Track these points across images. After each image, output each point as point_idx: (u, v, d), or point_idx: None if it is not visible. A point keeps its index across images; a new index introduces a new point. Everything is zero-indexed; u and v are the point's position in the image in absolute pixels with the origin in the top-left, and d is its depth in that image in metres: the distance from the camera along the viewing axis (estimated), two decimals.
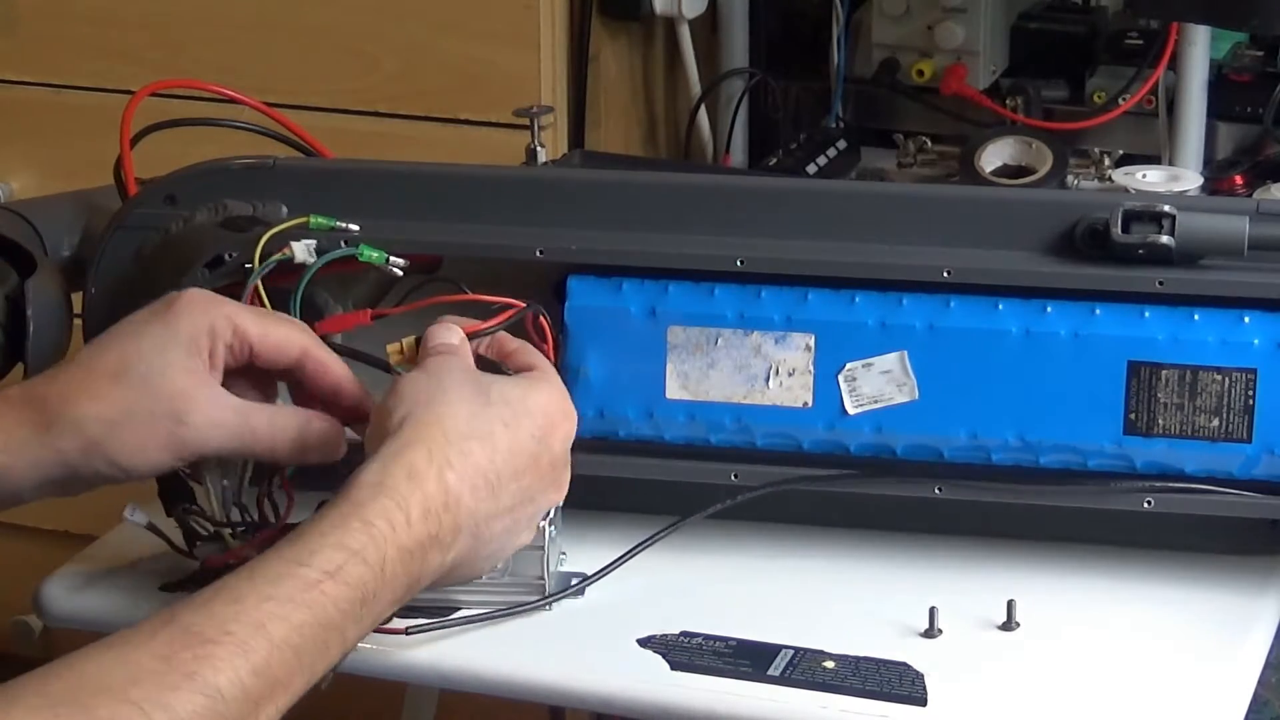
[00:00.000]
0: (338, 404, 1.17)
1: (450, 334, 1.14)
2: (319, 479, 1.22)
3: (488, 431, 1.07)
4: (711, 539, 1.25)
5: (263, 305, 1.21)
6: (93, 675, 0.90)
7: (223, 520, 1.17)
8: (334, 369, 1.17)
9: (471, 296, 1.23)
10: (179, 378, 1.12)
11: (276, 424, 1.14)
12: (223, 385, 1.14)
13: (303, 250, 1.21)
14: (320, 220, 1.23)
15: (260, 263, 1.21)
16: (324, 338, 1.23)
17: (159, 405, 1.11)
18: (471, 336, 1.16)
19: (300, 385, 1.18)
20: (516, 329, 1.21)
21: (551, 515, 1.20)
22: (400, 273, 1.23)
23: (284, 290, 1.23)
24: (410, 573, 1.02)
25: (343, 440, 1.16)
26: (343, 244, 1.22)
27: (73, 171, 1.52)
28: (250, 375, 1.17)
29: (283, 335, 1.16)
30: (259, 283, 1.21)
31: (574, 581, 1.22)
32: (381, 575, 0.99)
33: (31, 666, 0.92)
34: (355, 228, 1.23)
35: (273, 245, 1.22)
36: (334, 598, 0.97)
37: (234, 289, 1.25)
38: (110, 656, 0.91)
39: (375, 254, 1.21)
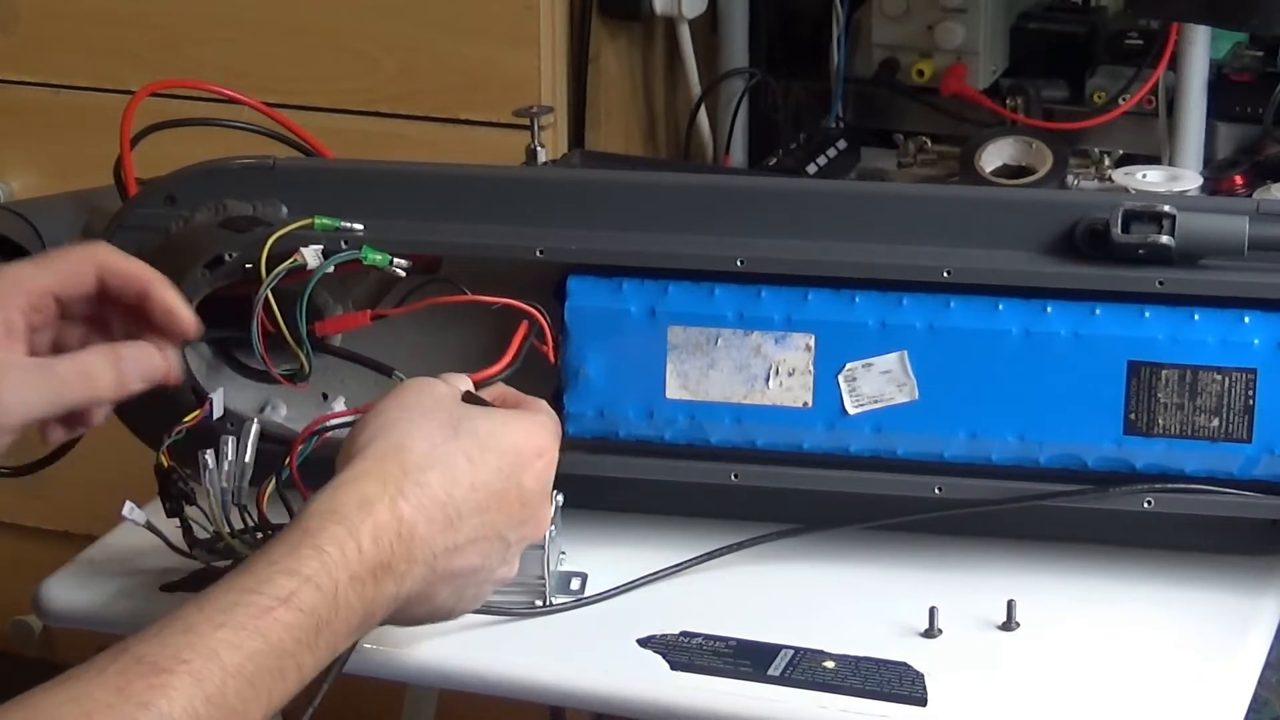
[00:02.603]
0: (153, 310, 1.16)
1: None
2: (320, 480, 1.22)
3: (450, 464, 1.05)
4: (711, 539, 1.25)
5: (272, 312, 1.21)
6: (46, 711, 0.88)
7: (221, 521, 1.17)
8: (134, 271, 1.16)
9: (471, 297, 1.23)
10: None
11: (84, 364, 1.13)
12: (69, 340, 1.15)
13: (313, 255, 1.21)
14: (325, 221, 1.23)
15: (266, 264, 1.21)
16: (324, 338, 1.24)
17: None
18: (479, 385, 1.16)
19: (126, 309, 1.17)
20: (515, 329, 1.22)
21: (551, 515, 1.20)
22: (403, 274, 1.23)
23: (284, 291, 1.23)
24: (365, 600, 1.00)
25: (163, 357, 1.15)
26: (343, 244, 1.22)
27: (73, 171, 1.52)
28: (89, 323, 1.17)
29: (71, 262, 1.15)
30: (268, 290, 1.21)
31: (574, 583, 1.22)
32: (334, 602, 0.98)
33: (31, 666, 0.92)
34: (359, 228, 1.23)
35: (278, 247, 1.22)
36: (287, 624, 0.95)
37: (234, 289, 1.26)
38: (63, 693, 0.89)
39: (379, 256, 1.21)
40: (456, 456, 1.05)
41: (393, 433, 1.05)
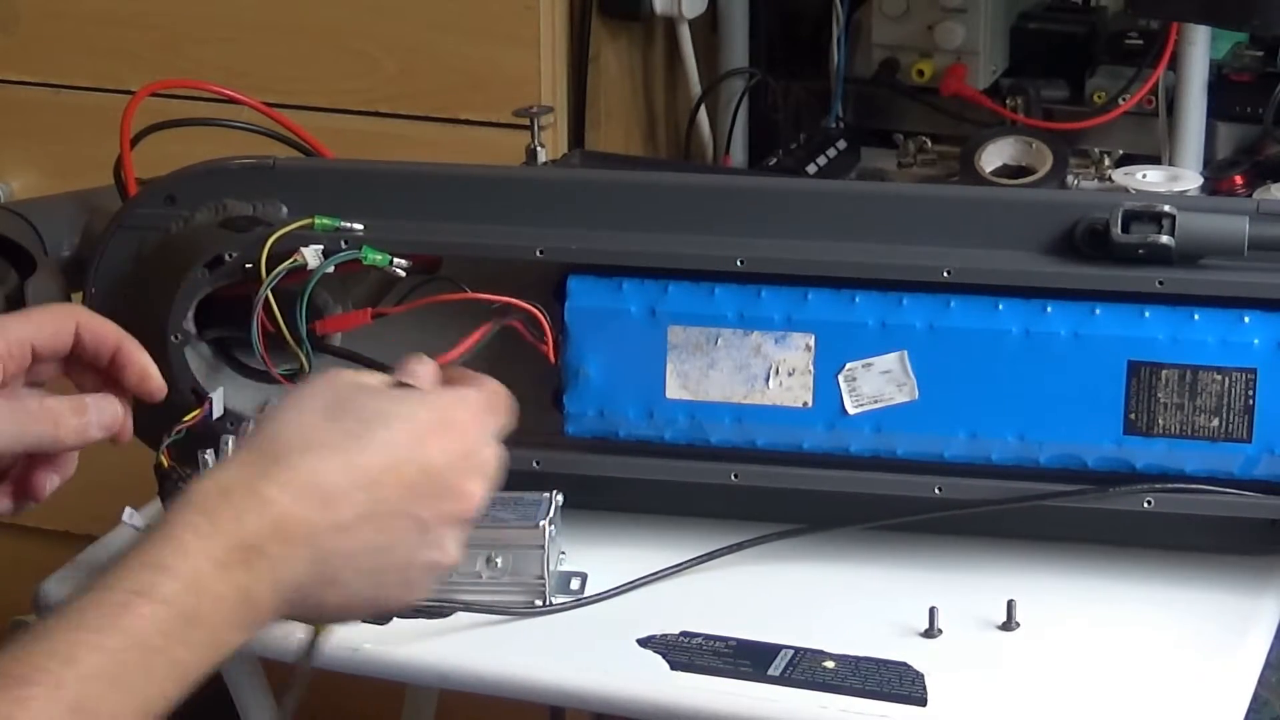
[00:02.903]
0: (126, 370, 1.15)
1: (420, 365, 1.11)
2: None
3: (324, 443, 1.00)
4: (711, 539, 1.25)
5: (272, 312, 1.21)
6: None
7: None
8: (108, 330, 1.14)
9: (471, 295, 1.23)
10: None
11: (50, 405, 1.12)
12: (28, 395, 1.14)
13: (313, 255, 1.21)
14: (325, 221, 1.23)
15: (266, 263, 1.21)
16: (324, 337, 1.24)
17: None
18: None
19: (95, 373, 1.16)
20: (511, 327, 1.22)
21: (551, 515, 1.20)
22: (403, 274, 1.23)
23: (284, 291, 1.23)
24: (238, 588, 0.95)
25: (124, 412, 1.14)
26: (343, 244, 1.22)
27: (73, 171, 1.52)
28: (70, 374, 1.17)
29: (52, 317, 1.14)
30: (268, 290, 1.21)
31: (574, 582, 1.22)
32: (198, 591, 0.94)
33: None
34: (359, 228, 1.23)
35: (278, 247, 1.22)
36: (149, 617, 0.92)
37: (234, 289, 1.26)
38: None
39: (379, 256, 1.21)
40: (333, 435, 1.00)
41: (270, 423, 1.01)
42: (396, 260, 1.22)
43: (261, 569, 0.96)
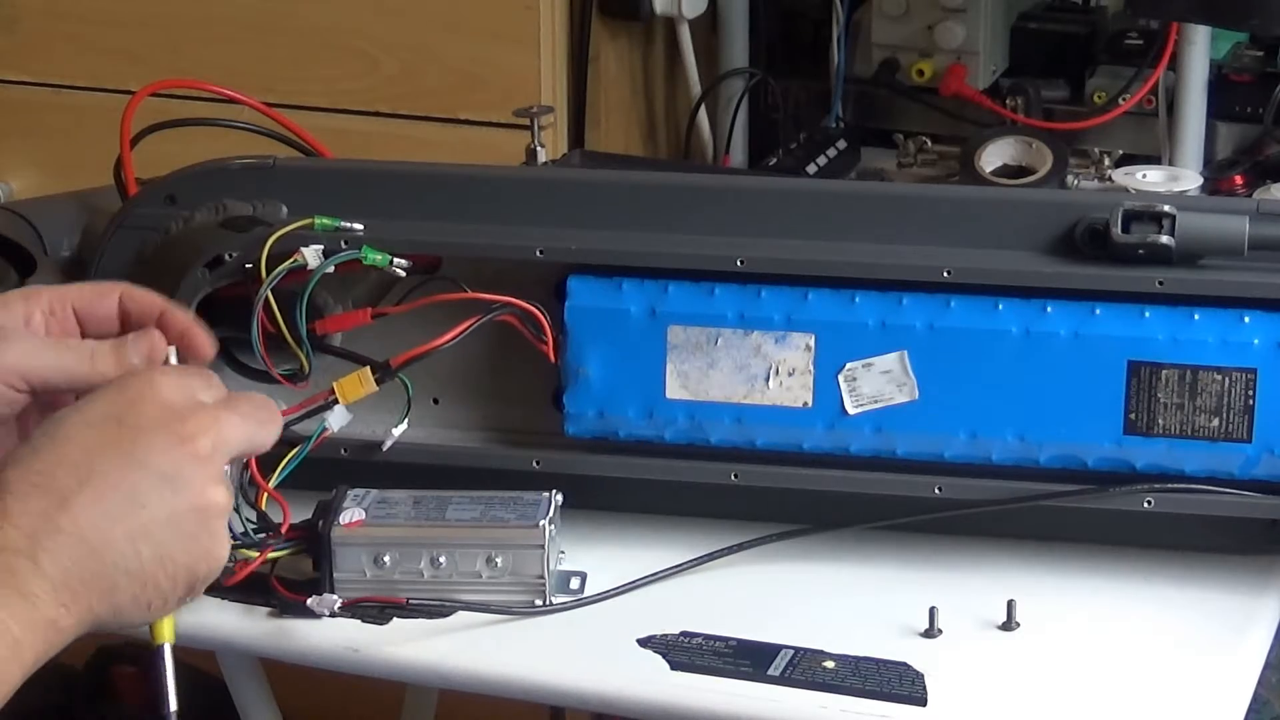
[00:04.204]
0: (170, 331, 1.15)
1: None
2: (319, 479, 1.23)
3: (25, 453, 1.01)
4: (711, 539, 1.25)
5: (272, 312, 1.21)
6: None
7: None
8: (155, 299, 1.15)
9: (472, 295, 1.23)
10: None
11: (92, 345, 1.11)
12: None
13: (313, 255, 1.21)
14: (325, 221, 1.23)
15: (266, 264, 1.21)
16: (323, 337, 1.24)
17: None
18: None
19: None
20: (510, 328, 1.22)
21: (551, 514, 1.20)
22: (403, 274, 1.23)
23: (284, 291, 1.23)
24: (5, 584, 0.96)
25: (165, 345, 1.13)
26: (343, 244, 1.22)
27: (73, 171, 1.52)
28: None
29: (93, 285, 1.16)
30: (268, 290, 1.21)
31: (574, 582, 1.22)
32: None
33: None
34: (359, 227, 1.23)
35: (278, 247, 1.22)
36: None
37: (234, 289, 1.26)
38: None
39: (379, 256, 1.21)
40: (32, 443, 1.02)
41: None
42: (396, 260, 1.22)
43: (19, 562, 0.97)
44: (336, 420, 1.21)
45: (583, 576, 1.22)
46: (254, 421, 1.06)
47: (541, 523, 1.19)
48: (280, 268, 1.21)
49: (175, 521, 1.01)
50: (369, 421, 1.28)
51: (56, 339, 1.13)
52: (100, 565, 0.99)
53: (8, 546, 0.97)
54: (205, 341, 1.14)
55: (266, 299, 1.21)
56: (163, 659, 1.05)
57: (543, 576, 1.19)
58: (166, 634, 1.04)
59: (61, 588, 0.98)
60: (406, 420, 1.25)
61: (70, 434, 1.01)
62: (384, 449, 1.26)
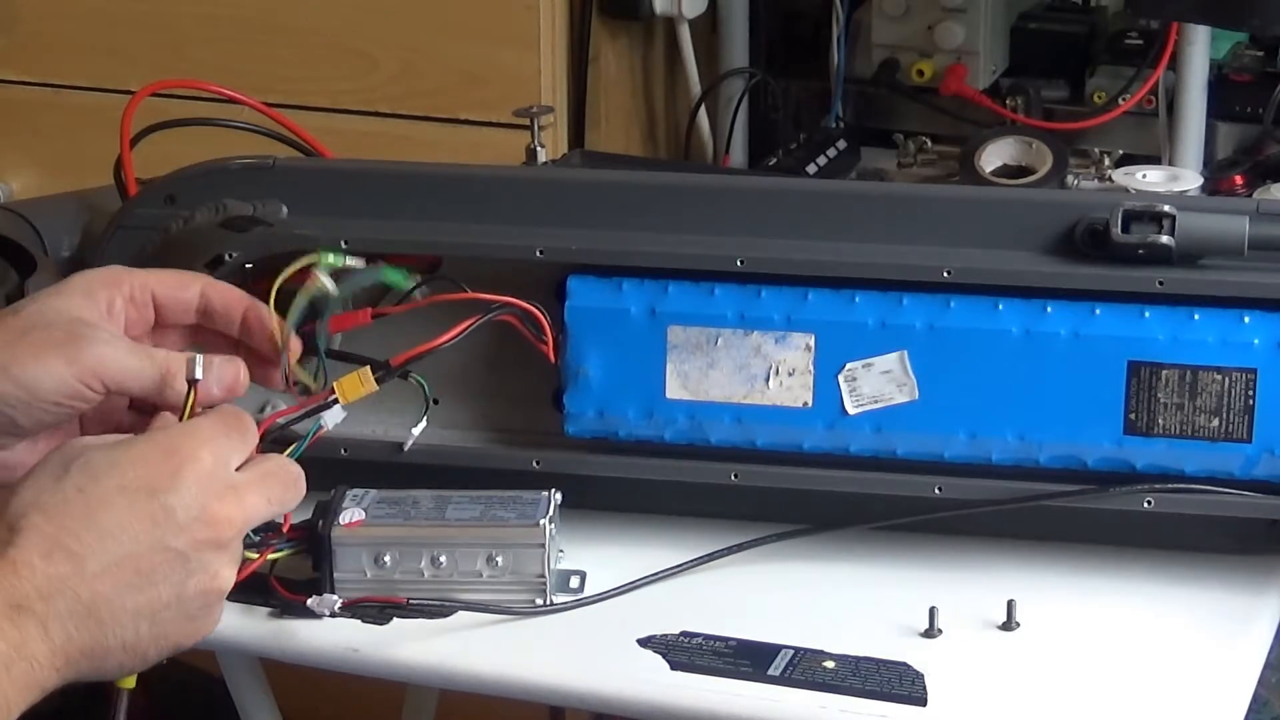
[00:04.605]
0: (252, 334, 1.20)
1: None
2: (319, 479, 1.23)
3: (55, 500, 1.01)
4: (711, 539, 1.25)
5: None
6: None
7: None
8: (236, 296, 1.18)
9: (472, 295, 1.23)
10: (74, 307, 1.13)
11: (176, 356, 1.13)
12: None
13: (329, 281, 1.21)
14: (330, 260, 1.22)
15: (276, 298, 1.21)
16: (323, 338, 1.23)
17: (55, 320, 1.12)
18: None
19: (219, 328, 1.20)
20: (510, 328, 1.22)
21: (550, 513, 1.20)
22: (421, 299, 1.23)
23: (285, 293, 1.23)
24: (12, 644, 0.97)
25: (244, 375, 1.16)
26: (346, 260, 1.22)
27: (73, 171, 1.52)
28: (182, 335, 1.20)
29: (175, 273, 1.18)
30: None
31: (573, 581, 1.22)
32: None
33: None
34: (360, 264, 1.22)
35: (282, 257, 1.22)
36: None
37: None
38: None
39: (398, 276, 1.21)
40: (65, 491, 1.02)
41: (9, 497, 1.03)
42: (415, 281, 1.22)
43: (29, 626, 0.98)
44: (331, 419, 1.21)
45: (582, 575, 1.22)
46: (278, 504, 1.08)
47: (542, 521, 1.19)
48: (301, 298, 1.20)
49: (182, 603, 1.04)
50: (369, 421, 1.28)
51: (138, 345, 1.14)
52: (101, 636, 1.01)
53: (24, 606, 0.98)
54: (297, 344, 1.16)
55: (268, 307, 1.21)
56: (122, 701, 1.08)
57: (543, 575, 1.19)
58: (129, 682, 1.07)
59: (60, 653, 0.99)
60: (425, 420, 1.25)
61: (106, 498, 1.02)
62: (405, 449, 1.26)
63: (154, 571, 1.02)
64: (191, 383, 1.11)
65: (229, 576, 1.05)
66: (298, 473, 1.10)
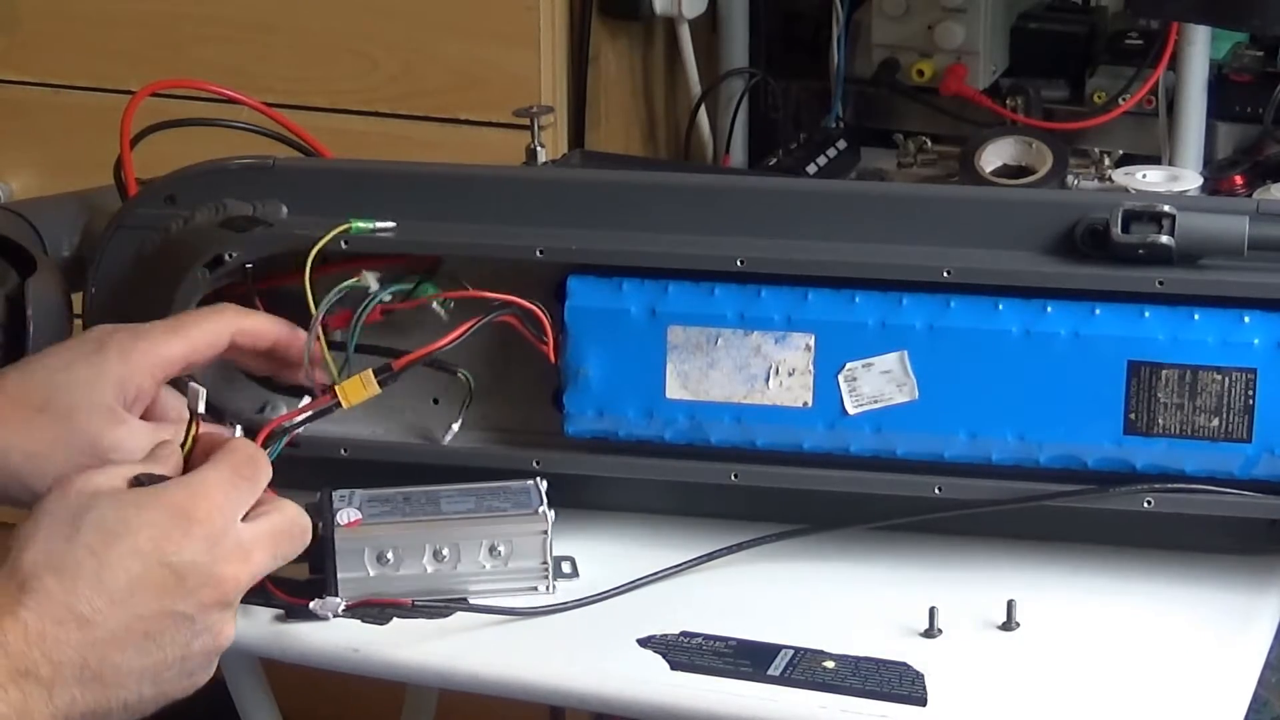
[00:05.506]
0: (286, 359, 1.23)
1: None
2: (320, 479, 1.23)
3: (71, 564, 1.01)
4: (711, 539, 1.25)
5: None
6: None
7: None
8: (265, 330, 1.21)
9: (472, 293, 1.23)
10: (102, 419, 1.15)
11: (175, 449, 1.12)
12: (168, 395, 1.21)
13: (372, 279, 1.22)
14: (361, 225, 1.23)
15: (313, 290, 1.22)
16: (324, 330, 1.24)
17: (81, 441, 1.14)
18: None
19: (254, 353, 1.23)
20: (510, 328, 1.22)
21: (545, 500, 1.20)
22: (445, 316, 1.24)
23: (288, 293, 1.23)
24: (15, 708, 0.98)
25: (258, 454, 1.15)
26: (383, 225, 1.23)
27: (73, 171, 1.52)
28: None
29: (206, 332, 1.20)
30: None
31: (565, 566, 1.22)
32: None
33: None
34: (390, 225, 1.23)
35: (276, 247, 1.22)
36: None
37: (234, 288, 1.26)
38: None
39: (433, 287, 1.23)
40: (76, 553, 1.01)
41: (16, 542, 1.03)
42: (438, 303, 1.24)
43: (33, 690, 0.98)
44: None
45: (572, 561, 1.23)
46: (283, 559, 1.08)
47: (540, 509, 1.20)
48: (340, 287, 1.21)
49: (184, 662, 1.04)
50: (369, 421, 1.28)
51: (146, 428, 1.17)
52: (105, 698, 1.01)
53: (30, 672, 0.98)
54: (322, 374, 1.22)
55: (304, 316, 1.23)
56: None
57: (545, 562, 1.20)
58: None
59: (61, 716, 0.99)
60: (461, 417, 1.25)
61: (119, 562, 1.01)
62: (444, 441, 1.27)
63: (161, 634, 1.02)
64: (193, 415, 1.11)
65: (230, 633, 1.06)
66: (306, 525, 1.10)
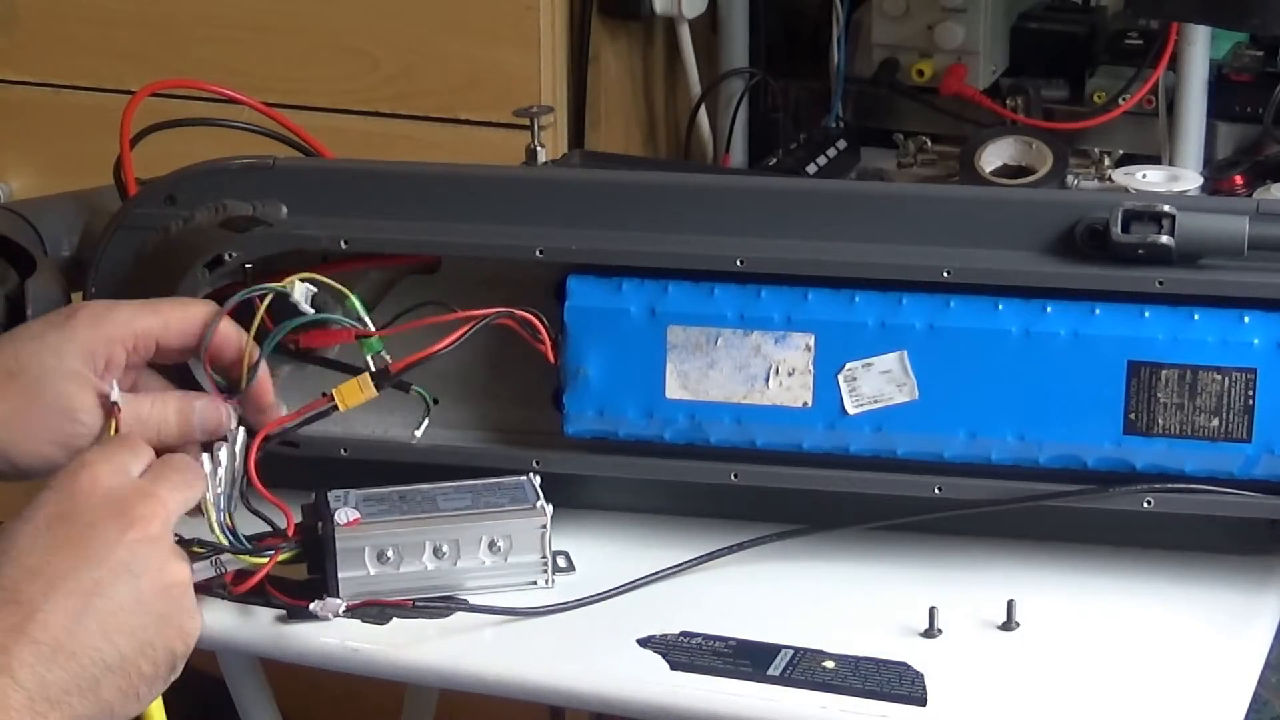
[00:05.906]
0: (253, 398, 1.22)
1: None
2: (319, 479, 1.23)
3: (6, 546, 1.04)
4: (711, 539, 1.25)
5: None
6: None
7: (220, 539, 1.16)
8: (235, 340, 1.21)
9: (462, 314, 1.22)
10: (70, 382, 1.16)
11: (159, 408, 1.18)
12: (148, 382, 1.21)
13: (303, 295, 1.22)
14: (354, 302, 1.22)
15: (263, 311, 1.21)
16: (309, 352, 1.24)
17: (51, 403, 1.15)
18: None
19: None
20: (509, 329, 1.22)
21: (541, 495, 1.20)
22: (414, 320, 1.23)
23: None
24: None
25: (227, 415, 1.20)
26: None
27: (73, 171, 1.52)
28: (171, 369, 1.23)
29: (181, 316, 1.20)
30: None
31: (561, 560, 1.22)
32: None
33: None
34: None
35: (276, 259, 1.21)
36: None
37: (234, 288, 1.26)
38: None
39: (358, 306, 1.22)
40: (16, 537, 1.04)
41: (5, 560, 1.04)
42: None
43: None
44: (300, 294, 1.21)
45: (567, 555, 1.23)
46: (186, 488, 1.10)
47: (539, 504, 1.20)
48: (261, 286, 1.21)
49: (143, 606, 1.04)
50: (368, 421, 1.28)
51: (126, 403, 1.18)
52: (79, 666, 1.01)
53: (58, 697, 0.99)
54: (274, 408, 1.22)
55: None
56: None
57: (545, 557, 1.20)
58: (157, 717, 1.07)
59: (39, 698, 0.99)
60: (424, 425, 1.24)
61: (25, 544, 1.03)
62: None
63: (99, 587, 1.03)
64: (108, 407, 1.14)
65: (179, 568, 1.06)
66: (188, 461, 1.12)
